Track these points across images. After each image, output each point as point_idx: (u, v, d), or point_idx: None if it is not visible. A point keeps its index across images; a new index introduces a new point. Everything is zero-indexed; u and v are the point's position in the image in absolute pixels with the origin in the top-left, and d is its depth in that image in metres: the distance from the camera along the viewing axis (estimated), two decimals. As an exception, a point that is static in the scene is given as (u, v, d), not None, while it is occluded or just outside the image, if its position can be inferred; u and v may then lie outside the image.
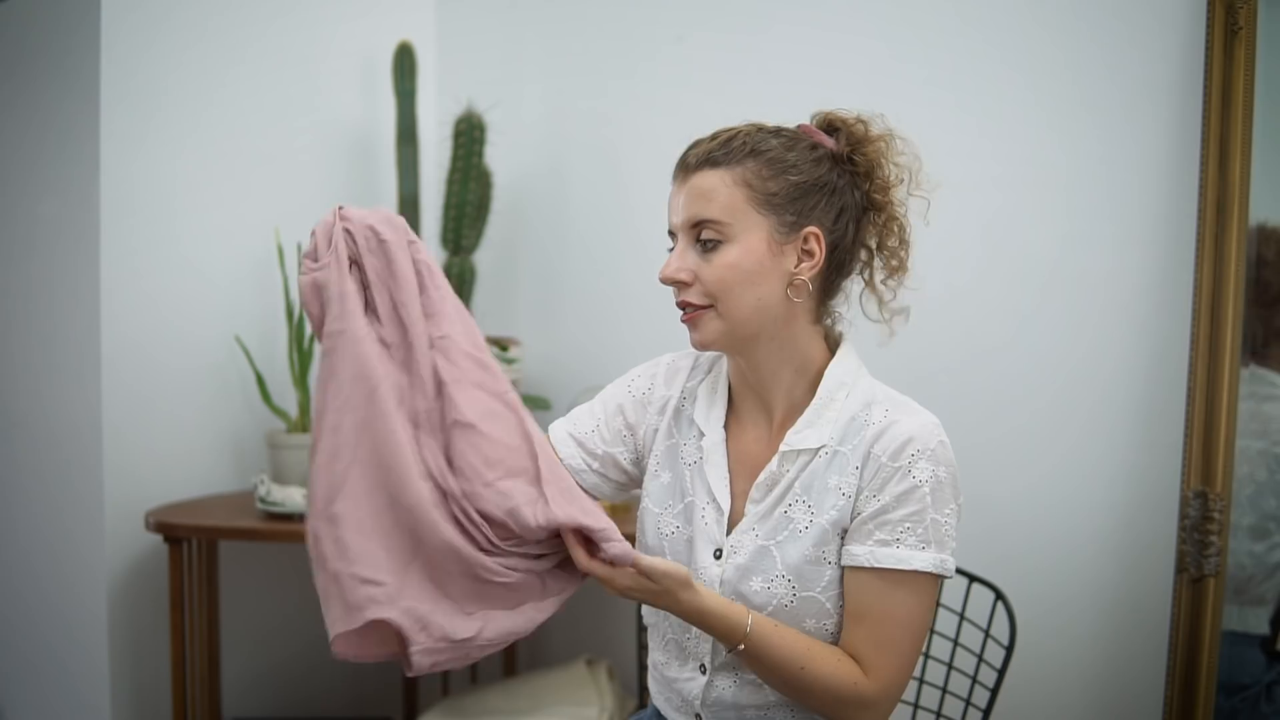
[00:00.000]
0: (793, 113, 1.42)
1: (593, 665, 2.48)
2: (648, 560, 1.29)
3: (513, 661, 2.81)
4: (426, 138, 2.76)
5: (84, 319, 2.41)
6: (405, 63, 2.66)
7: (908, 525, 1.30)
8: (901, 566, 1.30)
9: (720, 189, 1.34)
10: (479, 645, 1.30)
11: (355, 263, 1.32)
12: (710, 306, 1.35)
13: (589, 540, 1.31)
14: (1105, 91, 2.05)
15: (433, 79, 2.87)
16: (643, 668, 1.98)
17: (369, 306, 1.32)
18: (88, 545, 2.42)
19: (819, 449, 1.37)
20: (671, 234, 1.39)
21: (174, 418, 2.51)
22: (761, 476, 1.38)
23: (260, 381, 2.55)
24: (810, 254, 1.36)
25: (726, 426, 1.44)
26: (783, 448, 1.37)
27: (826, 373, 1.39)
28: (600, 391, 1.54)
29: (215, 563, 2.41)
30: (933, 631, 1.90)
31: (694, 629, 1.41)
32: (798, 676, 1.30)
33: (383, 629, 1.27)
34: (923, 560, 1.30)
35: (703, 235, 1.35)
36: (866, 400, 1.38)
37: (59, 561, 2.50)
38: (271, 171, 2.65)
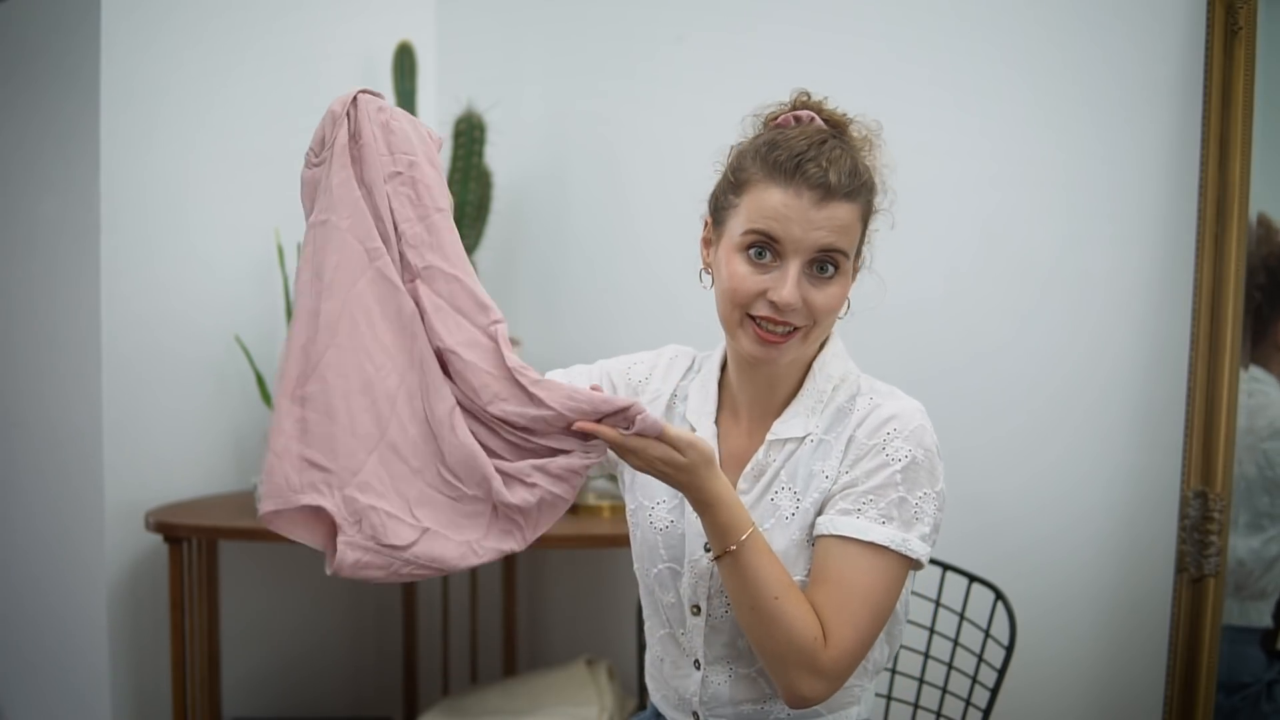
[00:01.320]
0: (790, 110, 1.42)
1: (593, 665, 2.48)
2: (675, 430, 1.26)
3: (513, 661, 2.81)
4: (426, 138, 2.76)
5: (84, 319, 2.41)
6: (405, 63, 2.66)
7: (871, 498, 1.31)
8: (859, 536, 1.29)
9: (854, 224, 1.32)
10: (406, 559, 1.25)
11: (357, 150, 1.28)
12: (800, 329, 1.32)
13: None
14: (1105, 91, 2.06)
15: (433, 79, 2.87)
16: (643, 668, 1.99)
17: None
18: (88, 545, 2.42)
19: (804, 437, 1.38)
20: (766, 242, 1.30)
21: (174, 418, 2.51)
22: (749, 466, 1.39)
23: (260, 381, 2.55)
24: (855, 271, 1.39)
25: (717, 422, 1.45)
26: (769, 437, 1.39)
27: (815, 364, 1.41)
28: (601, 360, 1.53)
29: (215, 563, 2.41)
30: (932, 631, 1.90)
31: (688, 624, 1.42)
32: (770, 605, 1.27)
33: (319, 517, 1.24)
34: (881, 534, 1.29)
35: (823, 265, 1.31)
36: (853, 391, 1.40)
37: (59, 561, 2.50)
38: (271, 171, 2.64)
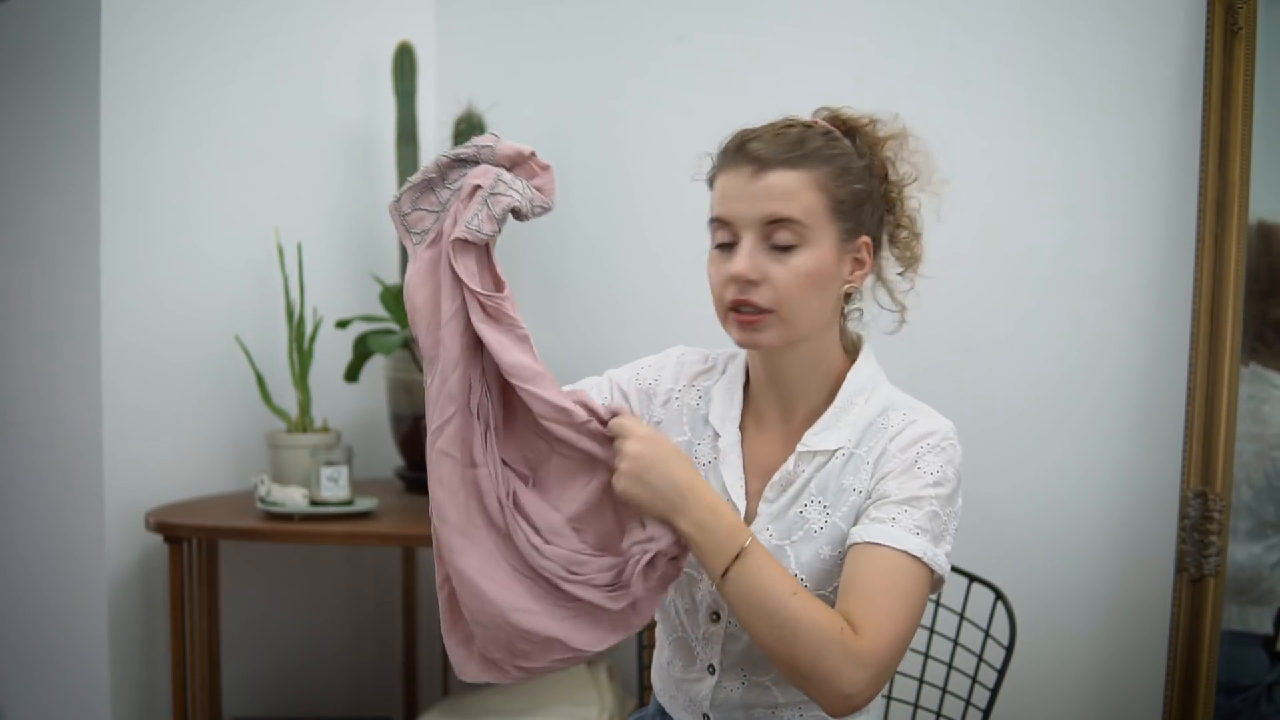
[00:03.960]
0: (794, 111, 1.42)
1: (593, 665, 2.48)
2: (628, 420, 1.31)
3: (513, 661, 2.80)
4: (426, 138, 2.77)
5: (84, 319, 2.41)
6: (405, 63, 2.67)
7: (906, 509, 1.29)
8: (893, 544, 1.27)
9: (801, 191, 1.31)
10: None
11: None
12: (772, 312, 1.31)
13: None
14: (1105, 91, 2.05)
15: (433, 79, 2.87)
16: (643, 668, 1.99)
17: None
18: (88, 545, 2.42)
19: (835, 450, 1.36)
20: (725, 227, 1.33)
21: (174, 418, 2.51)
22: (776, 476, 1.37)
23: (260, 381, 2.55)
24: (861, 263, 1.38)
25: (741, 427, 1.43)
26: (800, 448, 1.37)
27: (848, 377, 1.39)
28: (609, 371, 1.52)
29: (215, 563, 2.41)
30: (932, 631, 1.90)
31: (705, 631, 1.41)
32: (787, 604, 1.22)
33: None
34: (914, 544, 1.27)
35: (777, 236, 1.31)
36: (885, 405, 1.38)
37: (59, 561, 2.50)
38: (271, 171, 2.65)
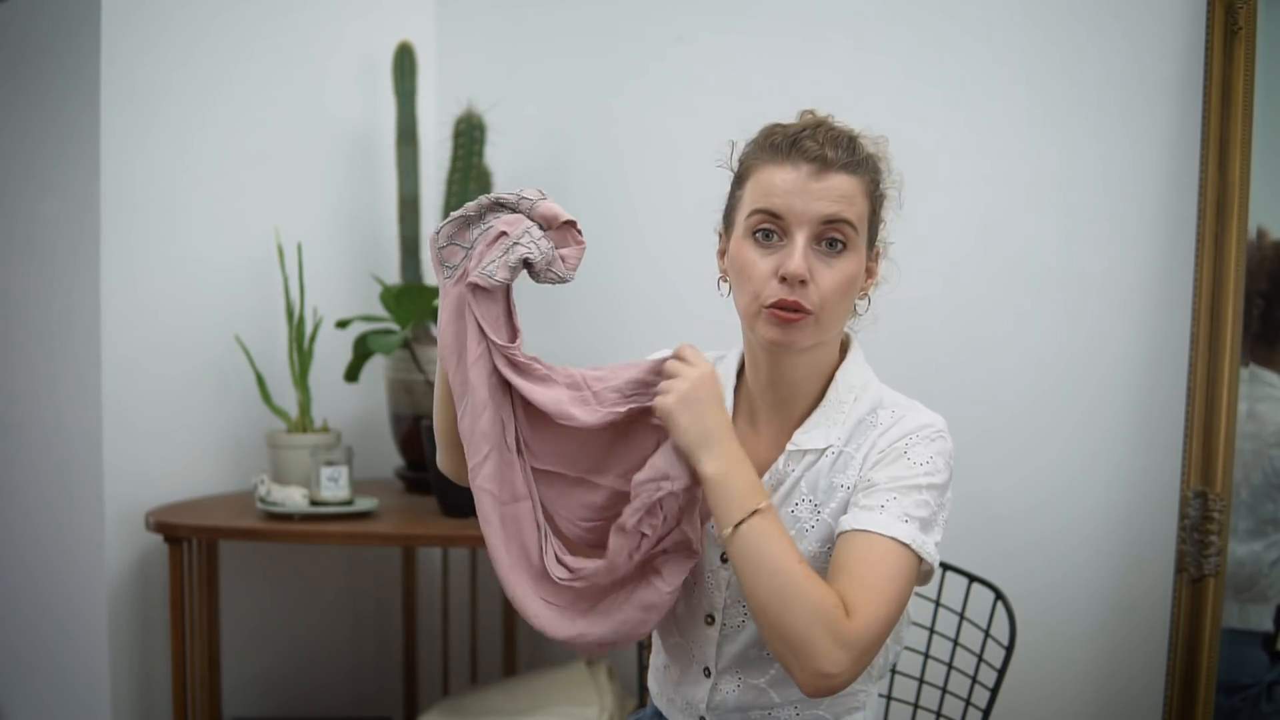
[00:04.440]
0: (792, 112, 1.42)
1: (593, 665, 2.48)
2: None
3: (513, 661, 2.81)
4: (426, 138, 2.77)
5: (84, 319, 2.41)
6: (405, 63, 2.67)
7: (895, 495, 1.29)
8: (881, 531, 1.27)
9: (857, 197, 1.32)
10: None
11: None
12: (811, 313, 1.31)
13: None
14: (1104, 91, 2.06)
15: (433, 79, 2.87)
16: (643, 668, 1.99)
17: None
18: (88, 545, 2.42)
19: (825, 449, 1.37)
20: (773, 220, 1.31)
21: (174, 418, 2.51)
22: (766, 476, 1.37)
23: (260, 381, 2.55)
24: (871, 272, 1.39)
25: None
26: (789, 447, 1.37)
27: (838, 375, 1.40)
28: None
29: (215, 563, 2.41)
30: (932, 631, 1.90)
31: (700, 634, 1.42)
32: (793, 568, 1.23)
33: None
34: (903, 531, 1.27)
35: (830, 237, 1.31)
36: (874, 403, 1.39)
37: (59, 561, 2.50)
38: (271, 171, 2.65)
